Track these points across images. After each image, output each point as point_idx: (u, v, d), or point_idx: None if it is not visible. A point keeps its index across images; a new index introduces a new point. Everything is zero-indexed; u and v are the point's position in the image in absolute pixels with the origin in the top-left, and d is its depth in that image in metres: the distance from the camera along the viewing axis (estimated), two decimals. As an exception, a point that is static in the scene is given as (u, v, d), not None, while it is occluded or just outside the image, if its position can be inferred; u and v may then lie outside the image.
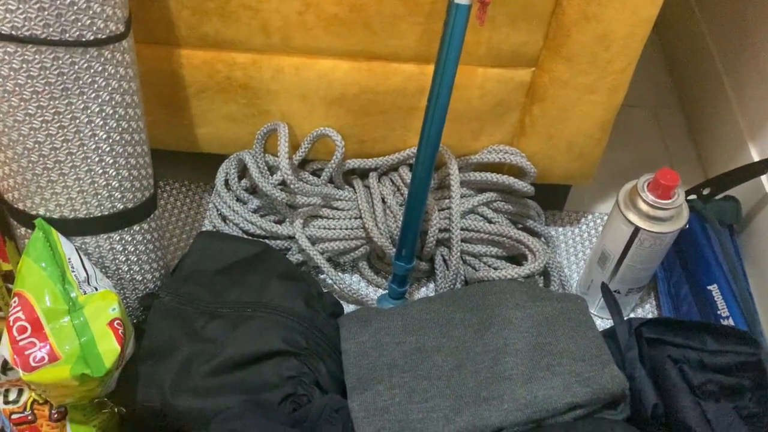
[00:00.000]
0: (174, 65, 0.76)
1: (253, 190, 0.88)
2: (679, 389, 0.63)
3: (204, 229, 0.89)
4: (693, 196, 0.91)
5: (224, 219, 0.86)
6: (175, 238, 0.91)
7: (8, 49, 0.54)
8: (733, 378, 0.65)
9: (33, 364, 0.60)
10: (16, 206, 0.65)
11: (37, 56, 0.55)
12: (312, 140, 0.82)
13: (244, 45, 0.74)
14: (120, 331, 0.62)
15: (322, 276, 0.88)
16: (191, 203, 0.95)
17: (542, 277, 0.87)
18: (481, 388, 0.65)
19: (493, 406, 0.63)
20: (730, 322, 0.78)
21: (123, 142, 0.63)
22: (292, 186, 0.79)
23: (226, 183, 0.87)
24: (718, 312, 0.79)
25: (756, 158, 0.92)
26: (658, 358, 0.66)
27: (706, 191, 0.90)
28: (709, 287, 0.81)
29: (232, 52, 0.75)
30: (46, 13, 0.53)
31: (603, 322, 0.86)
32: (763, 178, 0.88)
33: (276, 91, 0.78)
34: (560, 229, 0.96)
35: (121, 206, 0.66)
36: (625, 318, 0.72)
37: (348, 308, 0.84)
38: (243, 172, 0.89)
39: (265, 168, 0.85)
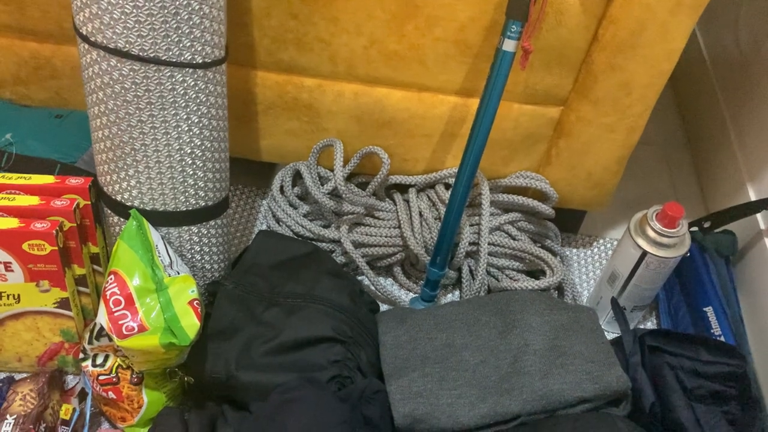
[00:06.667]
0: (249, 84, 0.86)
1: (303, 196, 0.98)
2: (675, 391, 0.72)
3: (257, 228, 0.99)
4: (695, 228, 0.99)
5: (278, 220, 0.96)
6: (229, 235, 1.01)
7: (134, 66, 0.65)
8: (722, 385, 0.74)
9: (125, 333, 0.69)
10: (114, 197, 0.75)
11: (156, 74, 0.66)
12: (361, 156, 0.92)
13: (313, 71, 0.84)
14: (199, 310, 0.72)
15: (360, 277, 0.98)
16: (244, 205, 1.05)
17: (556, 292, 0.97)
18: (503, 380, 0.75)
19: (513, 396, 0.73)
20: (722, 340, 0.86)
21: (212, 148, 0.74)
22: (343, 194, 0.90)
23: (281, 189, 0.98)
24: (712, 331, 0.87)
25: (753, 198, 1.00)
26: (658, 364, 0.75)
27: (706, 224, 0.98)
28: (704, 309, 0.89)
29: (301, 76, 0.85)
30: (169, 39, 0.64)
31: (609, 335, 0.95)
32: (759, 216, 0.95)
33: (335, 112, 0.88)
34: (574, 250, 1.06)
35: (203, 203, 0.77)
36: (630, 330, 0.82)
37: (382, 307, 0.93)
38: (295, 180, 0.99)
39: (317, 178, 0.95)
